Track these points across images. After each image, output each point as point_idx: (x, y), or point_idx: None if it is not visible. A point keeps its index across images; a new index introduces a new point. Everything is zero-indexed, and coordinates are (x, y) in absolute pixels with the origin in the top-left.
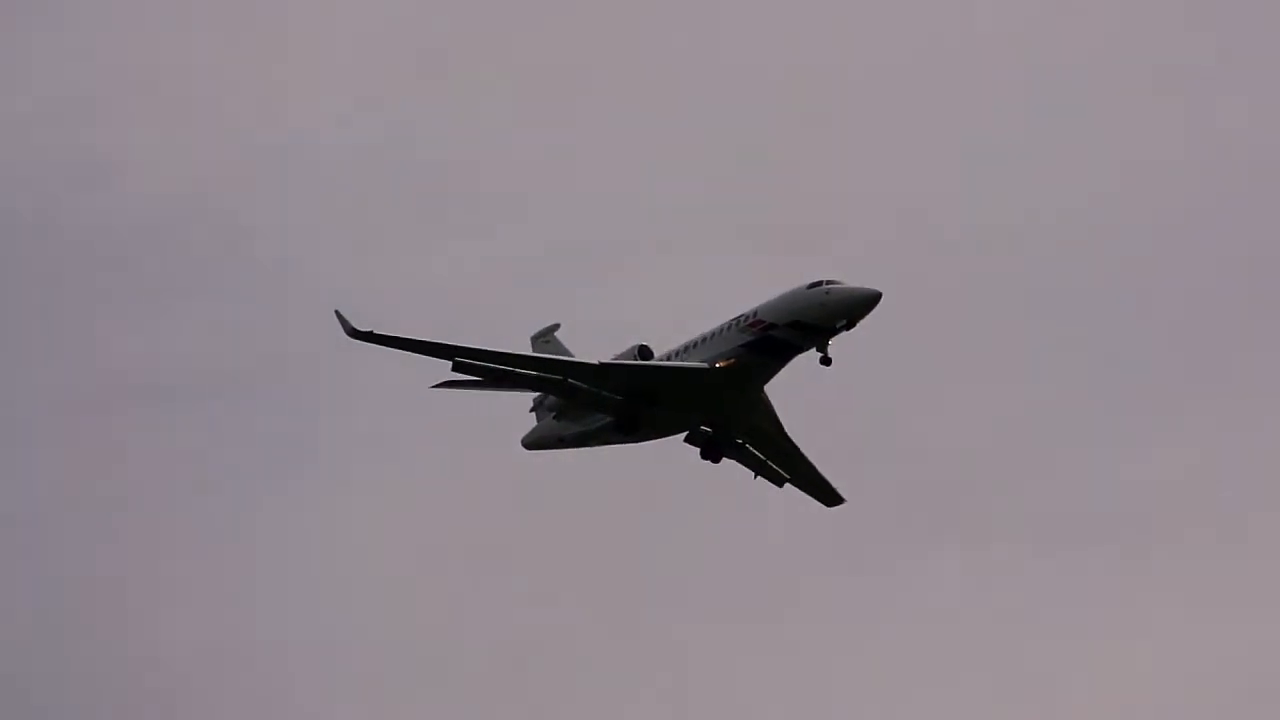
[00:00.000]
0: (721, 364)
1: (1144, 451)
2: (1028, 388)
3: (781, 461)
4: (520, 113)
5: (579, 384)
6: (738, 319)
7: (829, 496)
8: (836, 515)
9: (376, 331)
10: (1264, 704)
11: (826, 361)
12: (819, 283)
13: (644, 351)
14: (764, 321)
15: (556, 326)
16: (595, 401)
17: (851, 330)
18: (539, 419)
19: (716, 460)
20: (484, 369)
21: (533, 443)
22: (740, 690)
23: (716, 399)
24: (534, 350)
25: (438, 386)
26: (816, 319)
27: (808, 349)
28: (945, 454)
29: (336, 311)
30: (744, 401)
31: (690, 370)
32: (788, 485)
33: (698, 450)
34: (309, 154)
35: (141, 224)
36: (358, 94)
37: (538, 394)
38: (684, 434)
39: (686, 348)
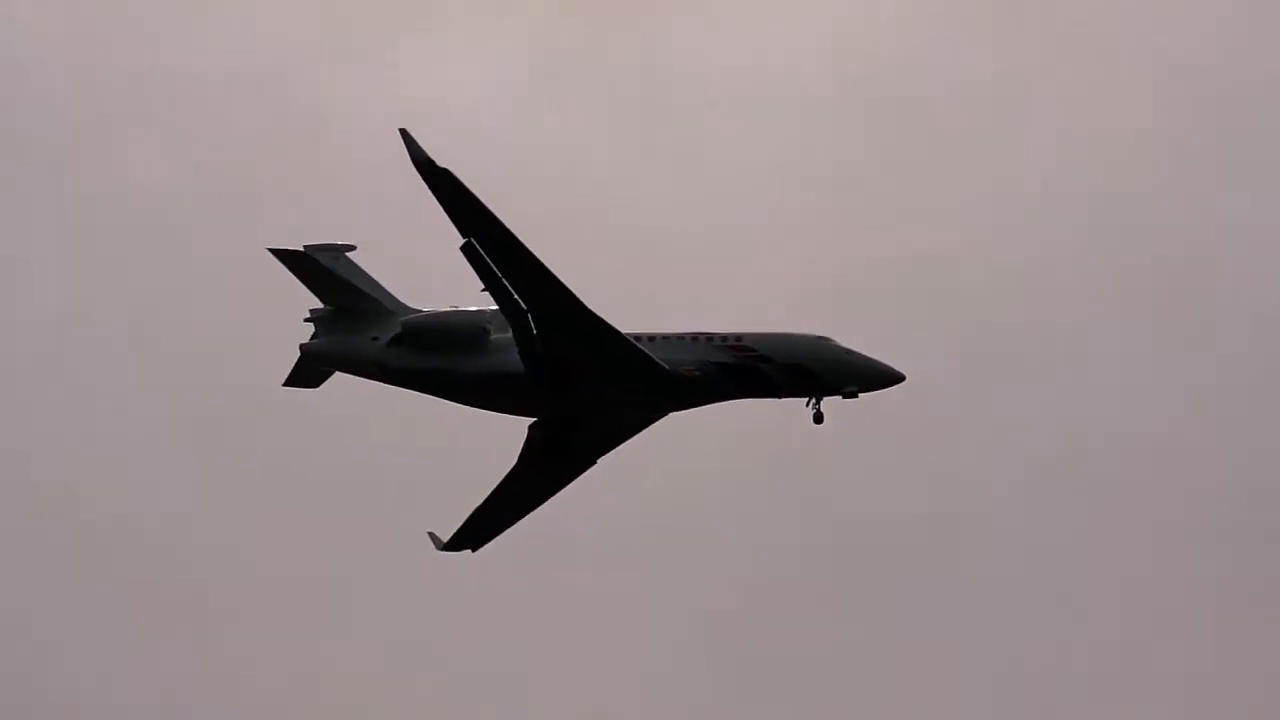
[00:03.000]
0: (685, 372)
1: None
2: None
3: (540, 487)
4: None
5: (538, 323)
6: (711, 335)
7: (476, 537)
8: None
9: (454, 172)
10: None
11: (819, 419)
12: (825, 338)
13: None
14: (753, 350)
15: (350, 248)
16: (525, 348)
17: (850, 399)
18: (328, 332)
19: (573, 454)
20: (485, 265)
21: (325, 357)
22: None
23: (635, 402)
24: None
25: (274, 251)
26: (826, 374)
27: (785, 396)
28: None
29: (403, 131)
30: (647, 417)
31: (653, 365)
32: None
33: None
34: None
35: None
36: None
37: (326, 307)
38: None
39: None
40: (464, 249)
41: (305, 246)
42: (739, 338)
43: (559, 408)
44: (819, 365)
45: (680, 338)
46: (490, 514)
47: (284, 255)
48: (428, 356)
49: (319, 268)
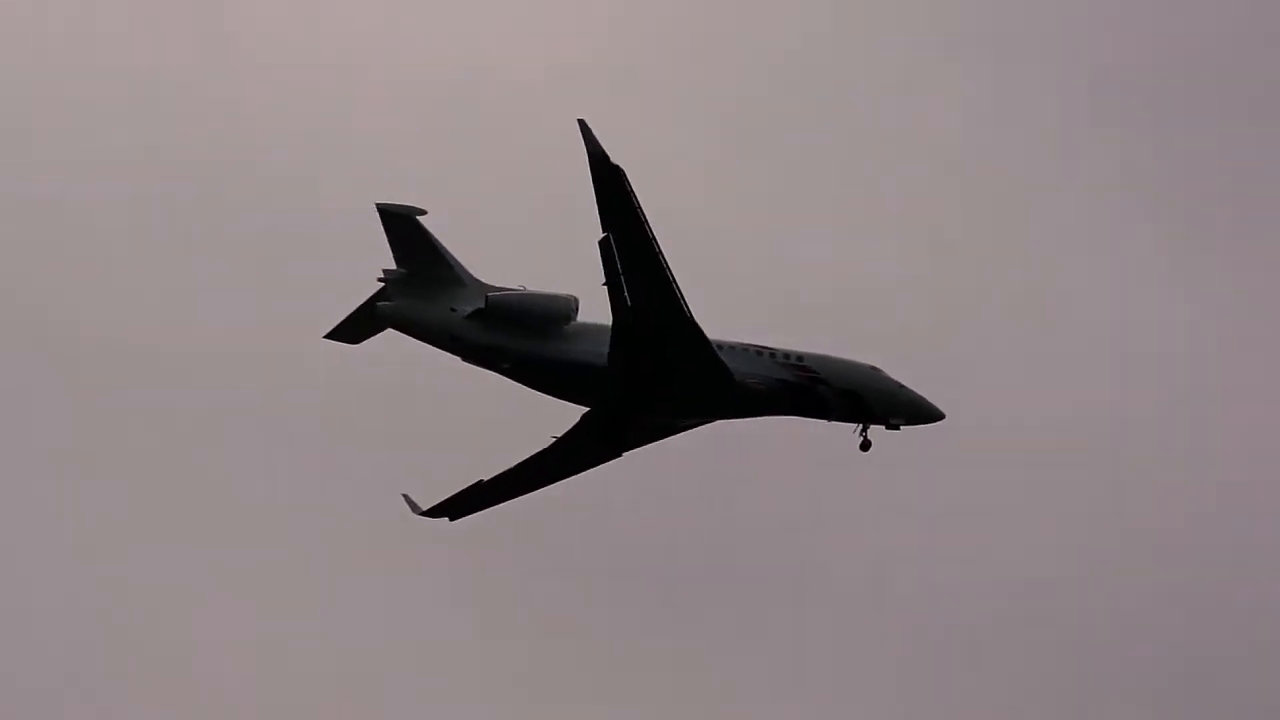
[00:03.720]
0: (752, 383)
1: None
2: None
3: (560, 471)
4: None
5: (639, 321)
6: (774, 351)
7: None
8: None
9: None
10: None
11: (866, 446)
12: (877, 368)
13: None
14: (813, 372)
15: (422, 212)
16: (618, 342)
17: (892, 430)
18: (402, 295)
19: (616, 449)
20: (612, 259)
21: (398, 320)
22: None
23: (699, 406)
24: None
25: (381, 207)
26: (877, 403)
27: (833, 420)
28: None
29: (582, 122)
30: (697, 421)
31: (723, 370)
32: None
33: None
34: None
35: None
36: None
37: (402, 270)
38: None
39: None
40: (601, 243)
41: (376, 205)
42: (800, 357)
43: (626, 403)
44: (871, 394)
45: (745, 349)
46: (495, 488)
47: (389, 213)
48: (507, 335)
49: (419, 231)
